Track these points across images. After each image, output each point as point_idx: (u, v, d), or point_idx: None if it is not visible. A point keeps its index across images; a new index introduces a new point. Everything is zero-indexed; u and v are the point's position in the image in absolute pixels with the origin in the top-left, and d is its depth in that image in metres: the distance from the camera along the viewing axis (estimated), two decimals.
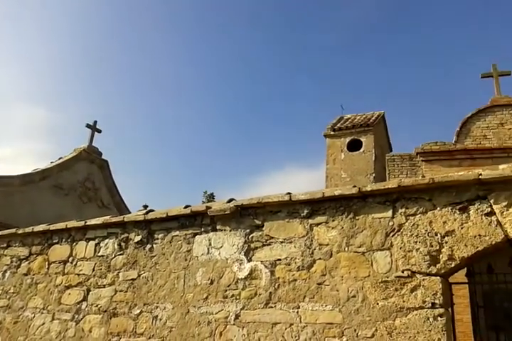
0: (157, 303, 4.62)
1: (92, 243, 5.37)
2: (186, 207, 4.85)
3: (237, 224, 4.55)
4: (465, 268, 3.76)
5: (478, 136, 10.49)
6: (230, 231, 4.56)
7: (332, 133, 15.49)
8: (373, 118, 15.76)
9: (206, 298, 4.40)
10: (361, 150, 14.82)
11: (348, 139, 15.19)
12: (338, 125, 15.64)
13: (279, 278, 4.14)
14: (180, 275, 4.62)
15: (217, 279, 4.43)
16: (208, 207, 4.69)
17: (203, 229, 4.70)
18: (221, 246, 4.55)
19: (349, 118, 16.26)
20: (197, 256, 4.61)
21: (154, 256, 4.85)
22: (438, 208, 3.66)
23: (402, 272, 3.64)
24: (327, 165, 15.03)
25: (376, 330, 3.59)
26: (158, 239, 4.92)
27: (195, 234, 4.72)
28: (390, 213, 3.84)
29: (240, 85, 50.62)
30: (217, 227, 4.64)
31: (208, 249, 4.59)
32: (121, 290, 4.89)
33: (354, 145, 15.05)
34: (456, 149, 10.14)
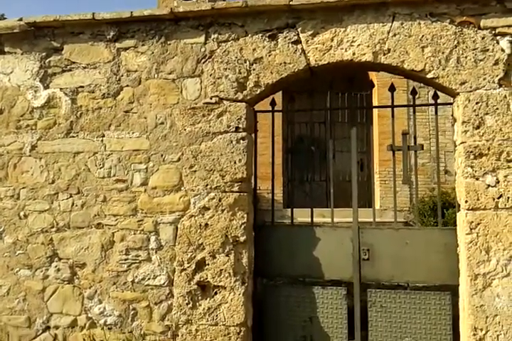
0: None
1: None
2: None
3: (30, 47, 3.94)
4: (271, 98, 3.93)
5: None
6: (22, 54, 3.95)
7: None
8: None
9: None
10: None
11: None
12: None
13: (81, 106, 3.83)
14: None
15: (9, 108, 3.93)
16: None
17: None
18: (11, 72, 3.95)
19: None
20: None
21: None
22: (249, 35, 3.62)
23: (211, 99, 3.65)
24: None
25: (182, 154, 3.65)
26: None
27: None
28: (202, 39, 3.68)
29: None
30: (6, 50, 3.98)
31: None
32: None
33: None
34: None
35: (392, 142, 3.74)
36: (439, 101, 3.67)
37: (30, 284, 3.75)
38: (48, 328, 3.69)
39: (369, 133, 9.29)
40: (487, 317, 3.13)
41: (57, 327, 3.68)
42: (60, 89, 3.87)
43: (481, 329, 3.13)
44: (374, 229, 3.76)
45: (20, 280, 3.76)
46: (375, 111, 9.30)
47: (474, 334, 3.13)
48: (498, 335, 3.11)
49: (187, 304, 3.51)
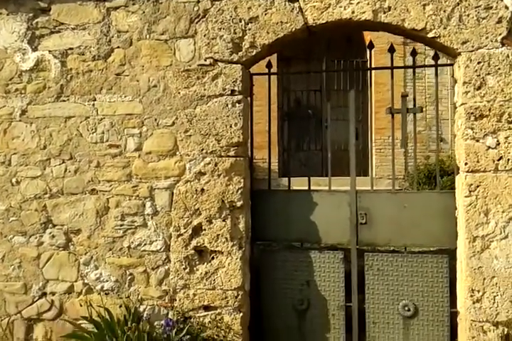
0: None
1: None
2: None
3: (16, 7, 3.77)
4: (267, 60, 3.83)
5: None
6: (8, 15, 3.79)
7: None
8: None
9: None
10: None
11: None
12: None
13: (71, 69, 3.70)
14: None
15: None
16: None
17: None
18: None
19: None
20: None
21: None
22: None
23: (205, 60, 3.53)
24: None
25: (176, 118, 3.56)
26: None
27: None
28: None
29: None
30: None
31: None
32: None
33: None
34: None
35: (391, 105, 3.66)
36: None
37: (24, 251, 3.71)
38: (44, 294, 3.68)
39: (365, 101, 9.19)
40: (484, 278, 3.13)
41: (53, 294, 3.67)
42: (49, 51, 3.73)
43: (478, 291, 3.14)
44: (371, 193, 3.73)
45: (15, 247, 3.72)
46: (372, 78, 9.16)
47: (471, 296, 3.14)
48: (494, 296, 3.12)
49: (184, 269, 3.49)
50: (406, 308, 3.50)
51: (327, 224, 3.67)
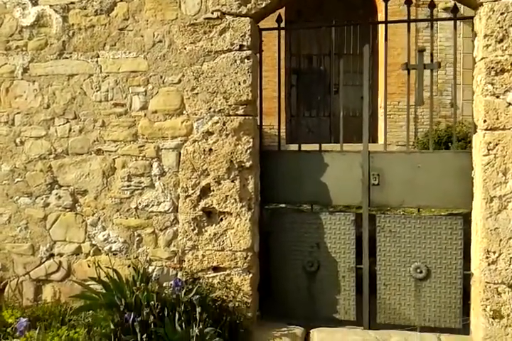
0: None
1: None
2: None
3: None
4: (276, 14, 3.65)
5: None
6: None
7: None
8: None
9: None
10: None
11: None
12: None
13: (73, 24, 3.56)
14: None
15: None
16: None
17: None
18: None
19: None
20: None
21: None
22: None
23: (212, 13, 3.37)
24: None
25: (183, 76, 3.43)
26: None
27: None
28: None
29: None
30: None
31: None
32: None
33: None
34: None
35: (407, 60, 3.49)
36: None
37: (31, 212, 3.66)
38: (52, 255, 3.65)
39: (375, 67, 8.95)
40: (501, 240, 3.05)
41: (61, 255, 3.64)
42: (50, 5, 3.57)
43: (494, 252, 3.06)
44: (384, 153, 3.61)
45: (21, 209, 3.67)
46: (381, 41, 8.89)
47: (487, 257, 3.07)
48: (510, 258, 3.04)
49: (192, 230, 3.44)
50: (418, 270, 3.44)
51: (338, 186, 3.57)
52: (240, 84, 3.36)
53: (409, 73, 3.48)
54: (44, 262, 3.67)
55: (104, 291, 3.24)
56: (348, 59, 7.99)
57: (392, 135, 8.98)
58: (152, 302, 2.98)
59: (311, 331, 3.40)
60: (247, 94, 3.36)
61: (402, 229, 3.48)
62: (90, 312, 3.24)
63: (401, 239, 3.48)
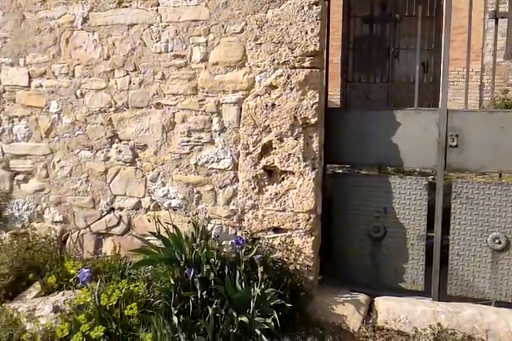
0: None
1: None
2: None
3: None
4: None
5: None
6: None
7: None
8: None
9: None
10: None
11: None
12: None
13: None
14: None
15: None
16: None
17: None
18: None
19: None
20: None
21: None
22: None
23: None
24: None
25: (246, 25, 3.20)
26: None
27: None
28: None
29: None
30: None
31: None
32: None
33: None
34: None
35: (495, 7, 3.08)
36: None
37: (91, 166, 3.64)
38: (112, 209, 3.64)
39: (439, 30, 8.24)
40: None
41: (121, 209, 3.62)
42: None
43: None
44: (465, 111, 3.27)
45: (82, 162, 3.66)
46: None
47: None
48: None
49: (253, 189, 3.29)
50: (496, 241, 3.15)
51: (410, 147, 3.29)
52: (307, 33, 3.09)
53: (496, 22, 3.07)
54: (104, 216, 3.67)
55: (163, 246, 3.20)
56: (410, 23, 7.37)
57: (455, 103, 8.35)
58: (212, 259, 2.90)
59: (375, 299, 3.22)
60: (315, 44, 3.09)
61: (481, 196, 3.18)
62: (150, 266, 3.23)
63: (479, 206, 3.19)
